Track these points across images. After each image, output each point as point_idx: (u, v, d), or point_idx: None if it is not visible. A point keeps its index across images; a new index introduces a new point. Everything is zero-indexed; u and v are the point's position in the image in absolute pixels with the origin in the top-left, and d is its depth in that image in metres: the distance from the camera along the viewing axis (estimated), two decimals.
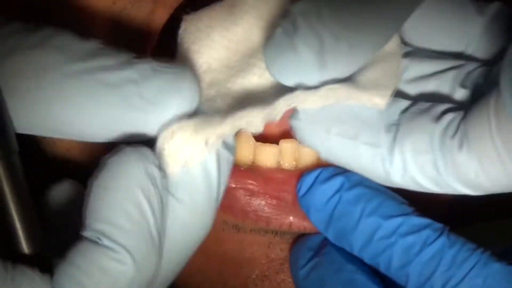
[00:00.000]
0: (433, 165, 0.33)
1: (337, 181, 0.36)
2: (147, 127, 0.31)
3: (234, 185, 0.39)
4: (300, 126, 0.36)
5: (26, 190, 0.30)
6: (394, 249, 0.34)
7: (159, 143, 0.31)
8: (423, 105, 0.35)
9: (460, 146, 0.33)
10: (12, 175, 0.30)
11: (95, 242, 0.29)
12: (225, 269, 0.40)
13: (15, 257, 0.29)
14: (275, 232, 0.39)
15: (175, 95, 0.31)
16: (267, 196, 0.39)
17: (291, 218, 0.38)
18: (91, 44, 0.31)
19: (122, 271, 0.28)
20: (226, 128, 0.32)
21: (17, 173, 0.30)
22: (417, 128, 0.34)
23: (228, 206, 0.39)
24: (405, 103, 0.36)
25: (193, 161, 0.31)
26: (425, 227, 0.35)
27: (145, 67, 0.30)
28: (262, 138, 0.41)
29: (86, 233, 0.29)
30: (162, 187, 0.30)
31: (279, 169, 0.40)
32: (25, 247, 0.30)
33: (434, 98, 0.36)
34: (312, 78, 0.34)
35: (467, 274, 0.33)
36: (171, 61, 0.32)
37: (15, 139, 0.31)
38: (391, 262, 0.34)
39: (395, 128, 0.35)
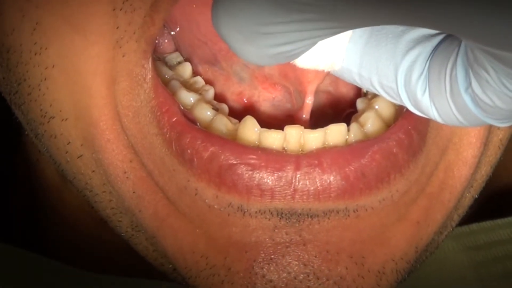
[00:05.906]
0: (396, 95, 0.35)
1: None
2: None
3: (235, 162, 0.38)
4: None
5: None
6: None
7: None
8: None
9: (424, 91, 0.33)
10: None
11: None
12: (229, 253, 0.39)
13: None
14: (280, 215, 0.39)
15: None
16: (269, 168, 0.38)
17: (293, 187, 0.38)
18: None
19: None
20: None
21: None
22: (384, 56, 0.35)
23: (232, 185, 0.38)
24: None
25: None
26: None
27: None
28: (267, 123, 0.41)
29: None
30: None
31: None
32: None
33: None
34: None
35: None
36: None
37: None
38: None
39: None
